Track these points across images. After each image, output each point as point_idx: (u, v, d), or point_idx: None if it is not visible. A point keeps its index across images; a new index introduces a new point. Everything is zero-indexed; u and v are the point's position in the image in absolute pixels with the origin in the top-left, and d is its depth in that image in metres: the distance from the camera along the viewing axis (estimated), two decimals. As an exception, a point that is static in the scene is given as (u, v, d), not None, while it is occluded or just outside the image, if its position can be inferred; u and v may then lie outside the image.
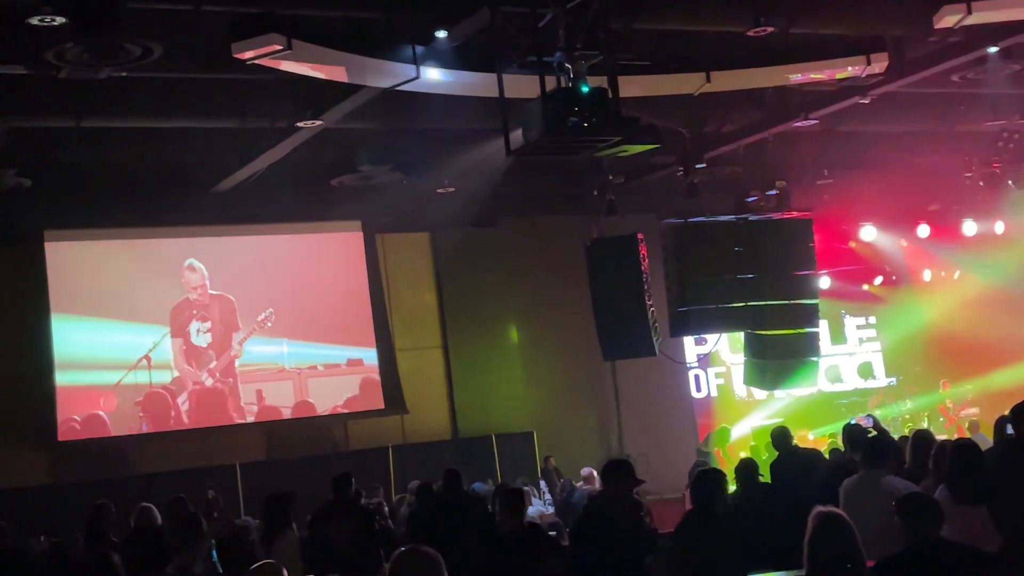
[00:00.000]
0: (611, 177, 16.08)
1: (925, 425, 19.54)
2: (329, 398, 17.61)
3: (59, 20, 9.18)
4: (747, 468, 9.27)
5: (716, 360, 21.36)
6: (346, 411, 17.75)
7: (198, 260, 17.12)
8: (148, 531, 7.35)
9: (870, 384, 22.77)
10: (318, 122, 12.66)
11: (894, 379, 22.72)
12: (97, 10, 8.80)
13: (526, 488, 14.69)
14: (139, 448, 16.40)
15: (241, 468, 16.20)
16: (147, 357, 16.58)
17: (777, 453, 10.74)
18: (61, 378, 16.11)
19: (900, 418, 20.73)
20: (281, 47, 9.62)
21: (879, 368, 23.13)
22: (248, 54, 9.75)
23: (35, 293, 16.07)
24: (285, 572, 5.48)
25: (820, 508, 5.01)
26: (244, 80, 11.44)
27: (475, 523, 9.37)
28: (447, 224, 18.28)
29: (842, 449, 10.29)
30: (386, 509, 13.22)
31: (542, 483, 16.08)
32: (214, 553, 7.42)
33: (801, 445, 14.20)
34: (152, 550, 6.24)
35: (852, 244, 21.72)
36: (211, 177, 15.05)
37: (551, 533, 12.13)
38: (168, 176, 14.70)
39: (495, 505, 8.51)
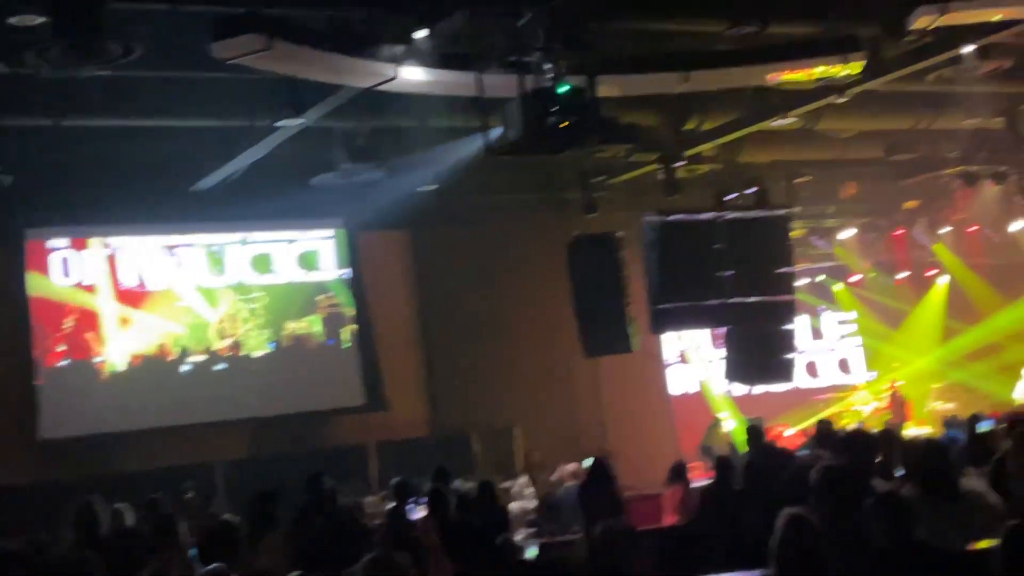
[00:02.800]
0: (591, 175, 16.15)
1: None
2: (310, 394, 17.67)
3: (39, 20, 9.20)
4: (725, 464, 9.37)
5: (696, 356, 21.53)
6: (328, 408, 17.82)
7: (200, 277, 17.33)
8: (124, 534, 7.36)
9: (848, 379, 23.01)
10: (299, 120, 12.68)
11: (874, 374, 22.96)
12: (77, 10, 8.83)
13: (507, 485, 14.87)
14: (120, 446, 16.38)
15: (222, 466, 16.20)
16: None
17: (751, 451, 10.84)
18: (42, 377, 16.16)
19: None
20: (261, 47, 9.63)
21: (858, 363, 23.38)
22: (228, 54, 9.77)
23: (14, 291, 16.06)
24: None
25: (788, 509, 5.06)
26: (225, 79, 11.44)
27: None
28: (428, 222, 18.32)
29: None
30: (367, 508, 13.25)
31: (524, 478, 16.15)
32: (193, 552, 7.44)
33: (775, 441, 14.35)
34: (127, 553, 6.26)
35: (831, 242, 21.90)
36: (191, 175, 15.05)
37: (531, 529, 12.29)
38: (148, 174, 14.68)
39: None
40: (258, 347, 17.62)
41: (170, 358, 16.99)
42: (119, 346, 16.71)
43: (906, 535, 5.30)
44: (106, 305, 16.70)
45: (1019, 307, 22.89)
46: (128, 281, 16.86)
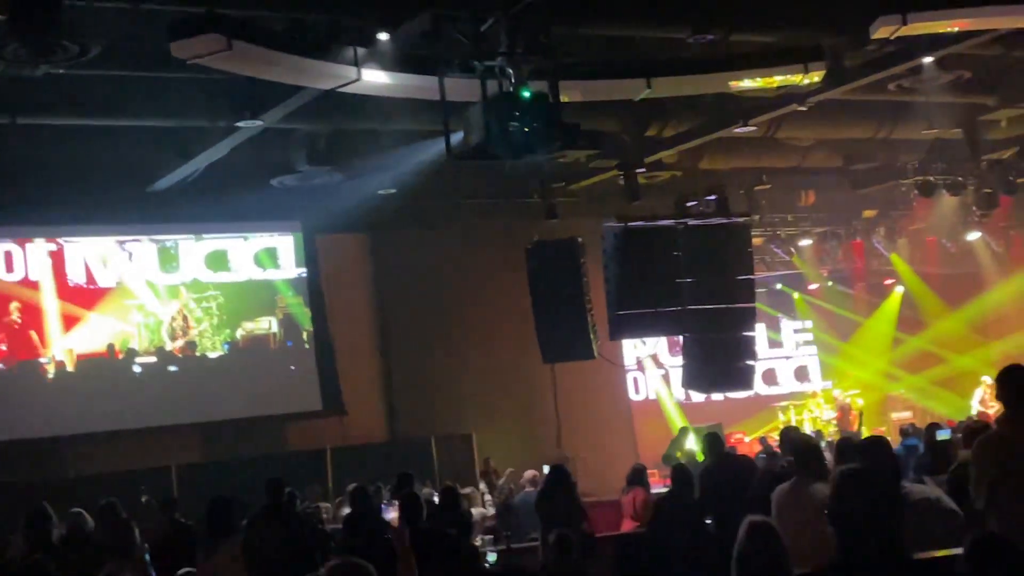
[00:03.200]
0: (552, 181, 16.14)
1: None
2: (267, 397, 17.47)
3: (-5, 17, 9.05)
4: (682, 473, 9.37)
5: (655, 363, 21.58)
6: (284, 412, 17.66)
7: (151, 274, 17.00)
8: (79, 539, 7.25)
9: (806, 387, 23.13)
10: (258, 122, 12.57)
11: (829, 383, 23.11)
12: (35, 8, 8.69)
13: (467, 491, 14.78)
14: (71, 449, 16.15)
15: (176, 470, 16.02)
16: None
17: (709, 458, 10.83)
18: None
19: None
20: (221, 47, 9.53)
21: (815, 372, 23.53)
22: (188, 53, 9.66)
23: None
24: None
25: (751, 517, 5.03)
26: (184, 79, 11.33)
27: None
28: (387, 225, 18.23)
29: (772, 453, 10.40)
30: (323, 514, 13.16)
31: (483, 484, 16.09)
32: (147, 556, 7.35)
33: (736, 448, 14.37)
34: (82, 559, 6.16)
35: (790, 250, 22.03)
36: (148, 176, 14.88)
37: (488, 536, 12.23)
38: (104, 174, 14.49)
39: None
40: (213, 348, 17.33)
41: (120, 358, 16.60)
42: (66, 345, 16.34)
43: (859, 544, 5.29)
44: (52, 303, 16.27)
45: (957, 317, 23.27)
46: (76, 278, 16.44)
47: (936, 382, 23.06)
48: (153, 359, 16.84)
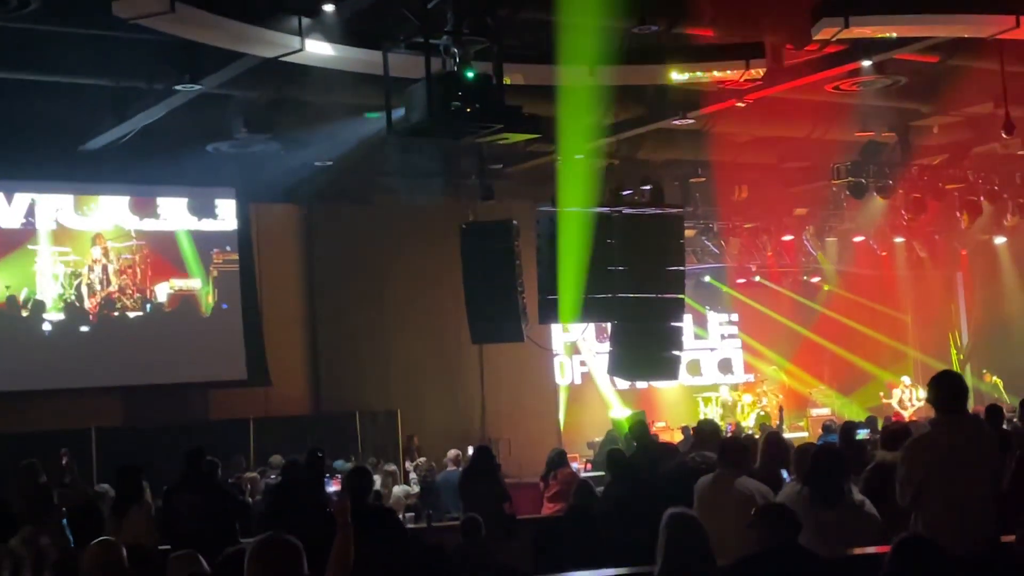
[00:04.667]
0: (489, 162, 16.15)
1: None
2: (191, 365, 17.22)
3: (-70, -36, 8.88)
4: (615, 459, 9.46)
5: (581, 348, 21.72)
6: (208, 379, 17.43)
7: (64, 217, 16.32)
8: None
9: (728, 379, 23.45)
10: (197, 86, 12.42)
11: (752, 376, 23.44)
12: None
13: (390, 468, 14.79)
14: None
15: (96, 433, 15.78)
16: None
17: (635, 445, 10.92)
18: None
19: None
20: (164, 9, 9.43)
21: (738, 364, 23.85)
22: (130, 13, 9.55)
23: None
24: (124, 550, 5.35)
25: (673, 509, 5.12)
26: (124, 38, 11.17)
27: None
28: (323, 197, 18.12)
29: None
30: (247, 485, 13.09)
31: (408, 463, 16.10)
32: (64, 522, 7.27)
33: (659, 436, 14.50)
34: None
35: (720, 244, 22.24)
36: (81, 134, 14.63)
37: (410, 513, 12.26)
38: (35, 130, 14.21)
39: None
40: (134, 307, 16.44)
41: (24, 314, 15.56)
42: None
43: (787, 539, 5.40)
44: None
45: (870, 320, 23.73)
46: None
47: (841, 385, 23.53)
48: (62, 316, 15.80)
